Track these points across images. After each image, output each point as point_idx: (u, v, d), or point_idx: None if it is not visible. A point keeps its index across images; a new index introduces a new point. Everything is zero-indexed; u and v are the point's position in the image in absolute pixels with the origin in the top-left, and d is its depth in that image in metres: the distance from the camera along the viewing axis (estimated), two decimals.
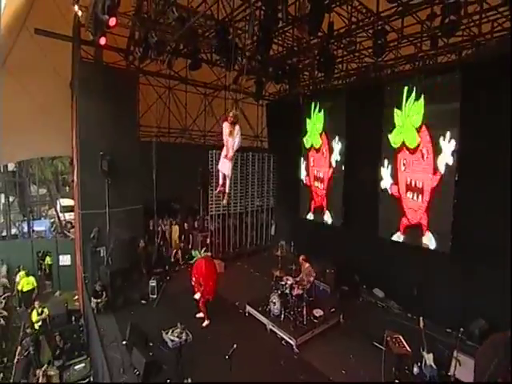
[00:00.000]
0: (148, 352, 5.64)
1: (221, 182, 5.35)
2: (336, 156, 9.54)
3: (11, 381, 7.07)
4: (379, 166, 8.16)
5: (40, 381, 6.44)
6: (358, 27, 6.28)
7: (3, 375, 7.29)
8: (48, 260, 11.93)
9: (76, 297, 10.36)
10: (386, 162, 8.05)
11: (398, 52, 7.41)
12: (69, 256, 11.47)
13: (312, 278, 7.06)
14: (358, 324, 6.82)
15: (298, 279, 7.06)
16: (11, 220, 15.16)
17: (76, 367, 6.74)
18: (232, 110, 4.95)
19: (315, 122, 10.26)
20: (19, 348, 7.74)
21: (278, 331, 6.48)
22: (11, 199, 15.80)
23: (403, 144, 7.60)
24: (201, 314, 6.92)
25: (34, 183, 18.34)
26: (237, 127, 4.82)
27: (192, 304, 6.95)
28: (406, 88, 7.38)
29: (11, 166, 16.02)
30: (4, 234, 14.89)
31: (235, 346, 4.52)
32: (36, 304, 8.10)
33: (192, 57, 7.45)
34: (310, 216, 10.63)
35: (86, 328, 7.72)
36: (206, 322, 6.81)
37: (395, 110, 7.69)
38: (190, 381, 5.12)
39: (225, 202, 5.94)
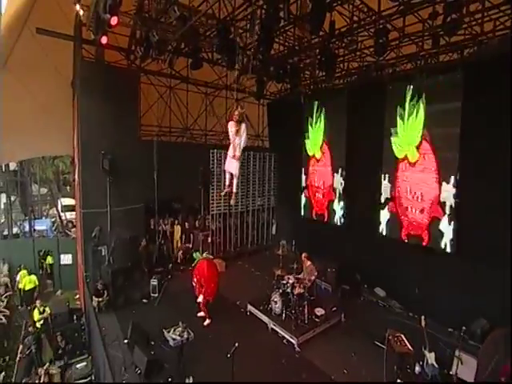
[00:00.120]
0: (149, 351, 5.64)
1: (227, 182, 5.26)
2: (337, 170, 9.61)
3: (13, 379, 7.11)
4: (381, 167, 8.17)
5: (42, 379, 6.48)
6: (359, 26, 6.25)
7: (5, 374, 7.35)
8: (49, 259, 12.00)
9: (77, 296, 10.39)
10: (386, 174, 8.11)
11: (399, 51, 7.38)
12: (70, 255, 11.54)
13: (314, 277, 7.06)
14: (360, 323, 6.81)
15: (299, 276, 7.04)
16: (13, 219, 15.21)
17: (77, 366, 6.78)
18: (237, 108, 4.83)
19: (315, 135, 10.33)
20: (21, 347, 7.76)
21: (279, 330, 6.48)
22: (13, 198, 15.84)
23: (405, 157, 7.63)
24: (202, 313, 6.92)
25: (36, 182, 18.34)
26: (243, 125, 4.74)
27: (193, 303, 6.95)
28: (408, 87, 7.35)
29: (13, 166, 16.02)
30: (5, 233, 14.96)
31: (237, 344, 4.51)
32: (37, 303, 8.14)
33: (193, 56, 7.44)
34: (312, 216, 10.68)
35: (88, 327, 7.75)
36: (207, 321, 6.81)
37: (398, 108, 7.65)
38: (191, 379, 5.12)
39: (232, 201, 5.94)
